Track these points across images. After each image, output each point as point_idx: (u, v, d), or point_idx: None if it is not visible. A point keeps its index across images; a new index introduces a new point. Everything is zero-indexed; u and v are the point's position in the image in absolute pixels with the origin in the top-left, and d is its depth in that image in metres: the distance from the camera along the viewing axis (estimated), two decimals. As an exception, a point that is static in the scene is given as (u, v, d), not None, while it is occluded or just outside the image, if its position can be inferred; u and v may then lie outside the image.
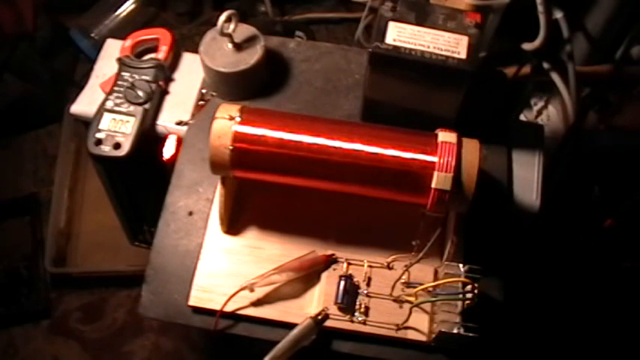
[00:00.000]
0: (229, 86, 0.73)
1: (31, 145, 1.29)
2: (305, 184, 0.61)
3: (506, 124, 0.73)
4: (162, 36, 0.78)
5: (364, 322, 0.60)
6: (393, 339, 0.60)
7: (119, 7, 1.32)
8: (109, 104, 0.73)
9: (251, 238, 0.65)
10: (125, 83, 0.74)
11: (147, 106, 0.73)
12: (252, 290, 0.61)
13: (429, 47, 0.60)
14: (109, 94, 0.74)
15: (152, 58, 0.76)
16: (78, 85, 1.03)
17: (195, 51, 0.73)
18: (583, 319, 1.06)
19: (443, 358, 0.60)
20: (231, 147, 0.59)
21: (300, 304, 0.61)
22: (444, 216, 0.60)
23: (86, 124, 0.74)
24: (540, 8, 0.78)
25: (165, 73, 0.76)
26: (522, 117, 1.08)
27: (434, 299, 0.58)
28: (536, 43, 0.82)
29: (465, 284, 0.56)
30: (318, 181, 0.61)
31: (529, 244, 0.92)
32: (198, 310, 0.62)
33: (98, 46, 0.83)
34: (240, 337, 0.62)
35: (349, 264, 0.62)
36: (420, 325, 0.60)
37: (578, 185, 1.06)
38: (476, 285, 0.56)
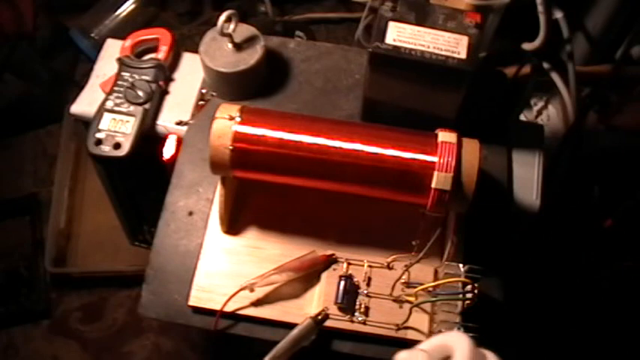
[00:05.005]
0: (229, 86, 0.73)
1: (31, 145, 1.29)
2: (305, 184, 0.61)
3: (506, 124, 0.73)
4: (162, 36, 0.78)
5: (364, 322, 0.60)
6: (393, 339, 0.60)
7: (119, 7, 1.32)
8: (109, 104, 0.73)
9: (251, 238, 0.65)
10: (125, 83, 0.74)
11: (147, 106, 0.73)
12: (252, 290, 0.61)
13: (429, 47, 0.60)
14: (109, 94, 0.74)
15: (152, 58, 0.76)
16: (78, 85, 1.03)
17: (195, 51, 0.73)
18: (583, 319, 1.06)
19: (443, 358, 0.60)
20: (231, 147, 0.59)
21: (300, 304, 0.61)
22: (444, 216, 0.60)
23: (86, 124, 0.74)
24: (540, 8, 0.78)
25: (165, 73, 0.76)
26: (522, 117, 1.08)
27: (434, 299, 0.58)
28: (536, 43, 0.82)
29: (465, 284, 0.56)
30: (318, 181, 0.61)
31: (529, 244, 0.92)
32: (198, 310, 0.62)
33: (98, 46, 0.83)
34: (240, 337, 0.62)
35: (349, 264, 0.62)
36: (420, 325, 0.60)
37: (578, 185, 1.06)
38: (476, 285, 0.56)
